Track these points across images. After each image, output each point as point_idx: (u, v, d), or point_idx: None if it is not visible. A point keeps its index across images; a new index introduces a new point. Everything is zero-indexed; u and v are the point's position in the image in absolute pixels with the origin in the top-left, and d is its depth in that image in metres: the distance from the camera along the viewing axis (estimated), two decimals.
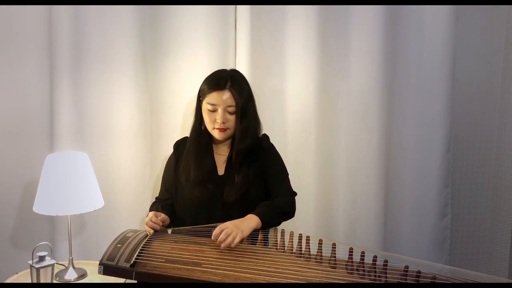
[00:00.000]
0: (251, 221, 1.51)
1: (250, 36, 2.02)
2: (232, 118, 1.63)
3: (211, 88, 1.61)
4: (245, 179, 1.64)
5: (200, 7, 2.00)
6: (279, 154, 1.77)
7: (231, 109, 1.61)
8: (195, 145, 1.70)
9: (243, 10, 2.02)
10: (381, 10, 2.04)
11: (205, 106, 1.64)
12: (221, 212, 1.63)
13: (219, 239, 1.42)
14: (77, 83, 1.93)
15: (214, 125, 1.64)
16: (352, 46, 2.10)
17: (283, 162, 1.76)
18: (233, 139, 1.69)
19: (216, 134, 1.66)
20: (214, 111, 1.62)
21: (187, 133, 1.78)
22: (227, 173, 1.69)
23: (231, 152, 1.70)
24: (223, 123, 1.62)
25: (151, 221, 1.58)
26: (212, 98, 1.61)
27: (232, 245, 1.42)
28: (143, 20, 1.97)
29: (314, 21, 2.04)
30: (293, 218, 1.69)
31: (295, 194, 1.72)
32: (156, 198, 1.82)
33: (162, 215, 1.63)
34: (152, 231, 1.58)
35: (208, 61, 2.03)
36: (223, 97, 1.60)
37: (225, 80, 1.62)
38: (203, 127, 1.70)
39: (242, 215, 1.54)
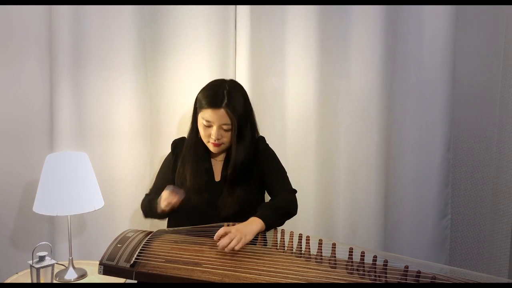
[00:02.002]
0: (254, 225, 1.50)
1: (250, 36, 2.02)
2: (227, 134, 1.62)
3: (206, 104, 1.59)
4: (239, 197, 1.64)
5: (200, 7, 2.00)
6: (275, 154, 1.76)
7: (226, 126, 1.60)
8: (192, 153, 1.69)
9: (243, 10, 2.02)
10: (381, 10, 2.04)
11: (200, 120, 1.62)
12: (217, 218, 1.62)
13: (221, 242, 1.40)
14: (77, 83, 1.93)
15: (208, 139, 1.63)
16: (352, 46, 2.09)
17: (280, 161, 1.76)
18: (230, 149, 1.68)
19: (211, 147, 1.65)
20: (209, 126, 1.61)
21: (186, 133, 1.77)
22: (223, 179, 1.69)
23: (228, 157, 1.69)
24: (218, 139, 1.61)
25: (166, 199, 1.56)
26: (207, 114, 1.59)
27: (236, 249, 1.40)
28: (143, 20, 1.97)
29: (314, 21, 2.04)
30: (293, 218, 1.69)
31: (295, 191, 1.72)
32: (147, 194, 1.79)
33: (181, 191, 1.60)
34: (173, 200, 1.55)
35: (208, 61, 2.03)
36: (218, 115, 1.58)
37: (221, 97, 1.58)
38: (199, 136, 1.69)
39: (236, 221, 1.54)
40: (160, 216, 1.67)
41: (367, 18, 2.05)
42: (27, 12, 1.91)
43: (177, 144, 1.78)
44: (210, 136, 1.61)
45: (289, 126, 2.13)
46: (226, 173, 1.66)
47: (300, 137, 2.13)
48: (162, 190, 1.73)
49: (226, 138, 1.62)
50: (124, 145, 2.01)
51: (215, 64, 2.03)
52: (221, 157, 1.73)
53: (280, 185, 1.70)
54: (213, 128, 1.59)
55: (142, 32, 1.97)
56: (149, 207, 1.70)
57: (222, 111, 1.57)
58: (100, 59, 1.94)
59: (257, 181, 1.69)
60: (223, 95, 1.59)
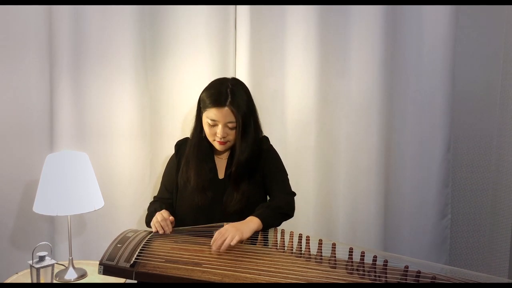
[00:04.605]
0: (252, 223, 1.50)
1: (250, 36, 2.02)
2: (232, 132, 1.63)
3: (211, 104, 1.60)
4: (245, 193, 1.64)
5: (200, 7, 2.00)
6: (278, 155, 1.77)
7: (231, 124, 1.61)
8: (195, 152, 1.70)
9: (243, 10, 2.02)
10: (381, 10, 2.04)
11: (205, 120, 1.63)
12: (221, 216, 1.63)
13: (215, 243, 1.41)
14: (77, 83, 1.93)
15: (214, 138, 1.64)
16: (352, 46, 2.09)
17: (282, 162, 1.76)
18: (234, 147, 1.69)
19: (216, 145, 1.66)
20: (214, 125, 1.62)
21: (187, 133, 1.78)
22: (227, 177, 1.69)
23: (231, 155, 1.70)
24: (223, 137, 1.62)
25: (160, 223, 1.59)
26: (211, 114, 1.60)
27: (232, 244, 1.41)
28: (143, 20, 1.97)
29: (314, 21, 2.04)
30: (293, 218, 1.69)
31: (294, 194, 1.72)
32: (155, 197, 1.81)
33: (171, 217, 1.63)
34: (161, 231, 1.59)
35: (208, 61, 2.03)
36: (223, 113, 1.59)
37: (225, 95, 1.59)
38: (203, 134, 1.70)
39: (241, 219, 1.54)
40: None
41: (367, 18, 2.05)
42: (27, 12, 1.90)
43: (181, 145, 1.78)
44: (216, 135, 1.62)
45: (289, 126, 2.13)
46: (230, 171, 1.67)
47: (300, 137, 2.13)
48: (170, 191, 1.74)
49: (232, 135, 1.63)
50: (124, 145, 2.01)
51: (215, 64, 2.03)
52: (225, 155, 1.73)
53: (280, 186, 1.70)
54: (219, 127, 1.61)
55: (142, 32, 1.97)
56: (150, 219, 1.69)
57: (226, 110, 1.58)
58: (100, 59, 1.94)
59: (261, 181, 1.70)
60: (227, 93, 1.60)
